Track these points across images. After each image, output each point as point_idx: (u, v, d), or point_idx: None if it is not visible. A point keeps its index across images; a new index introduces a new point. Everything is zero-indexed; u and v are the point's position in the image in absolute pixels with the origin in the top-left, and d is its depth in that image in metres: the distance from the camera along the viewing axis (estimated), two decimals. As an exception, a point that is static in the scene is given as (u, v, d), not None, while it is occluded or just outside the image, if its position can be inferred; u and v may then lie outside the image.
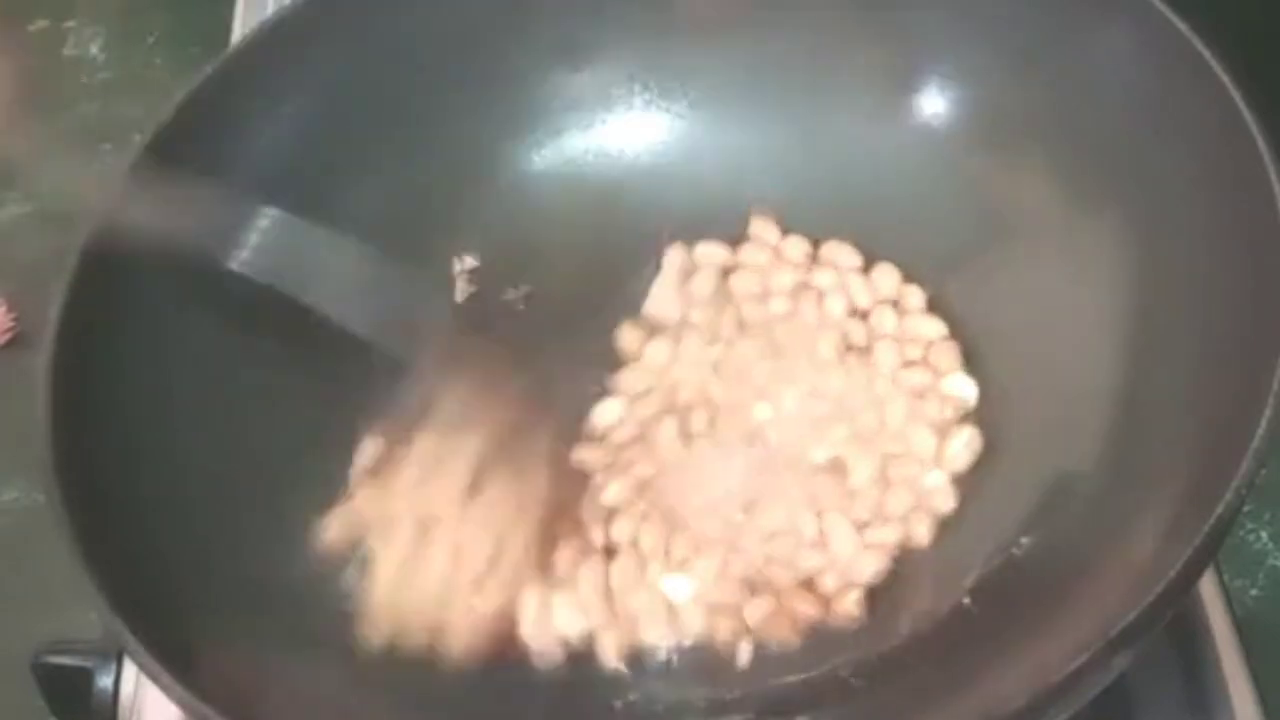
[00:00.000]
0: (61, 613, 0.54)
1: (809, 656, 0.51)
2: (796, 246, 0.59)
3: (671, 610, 0.52)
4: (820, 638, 0.51)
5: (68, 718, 0.57)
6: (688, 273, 0.59)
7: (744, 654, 0.51)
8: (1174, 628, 0.53)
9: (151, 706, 0.55)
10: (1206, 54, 0.50)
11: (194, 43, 1.07)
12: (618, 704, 0.51)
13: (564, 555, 0.53)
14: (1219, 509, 0.43)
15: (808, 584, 0.52)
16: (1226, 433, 0.45)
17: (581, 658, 0.52)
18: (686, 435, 0.56)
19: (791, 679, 0.51)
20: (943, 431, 0.54)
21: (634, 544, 0.54)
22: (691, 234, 0.60)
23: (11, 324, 1.00)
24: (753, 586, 0.52)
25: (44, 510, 0.48)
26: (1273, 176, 0.48)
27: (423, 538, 0.52)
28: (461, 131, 0.61)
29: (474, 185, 0.61)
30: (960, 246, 0.57)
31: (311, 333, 0.56)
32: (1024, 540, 0.51)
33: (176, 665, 0.45)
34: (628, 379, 0.57)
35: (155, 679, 0.45)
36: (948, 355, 0.56)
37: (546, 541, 0.53)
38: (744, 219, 0.59)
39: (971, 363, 0.56)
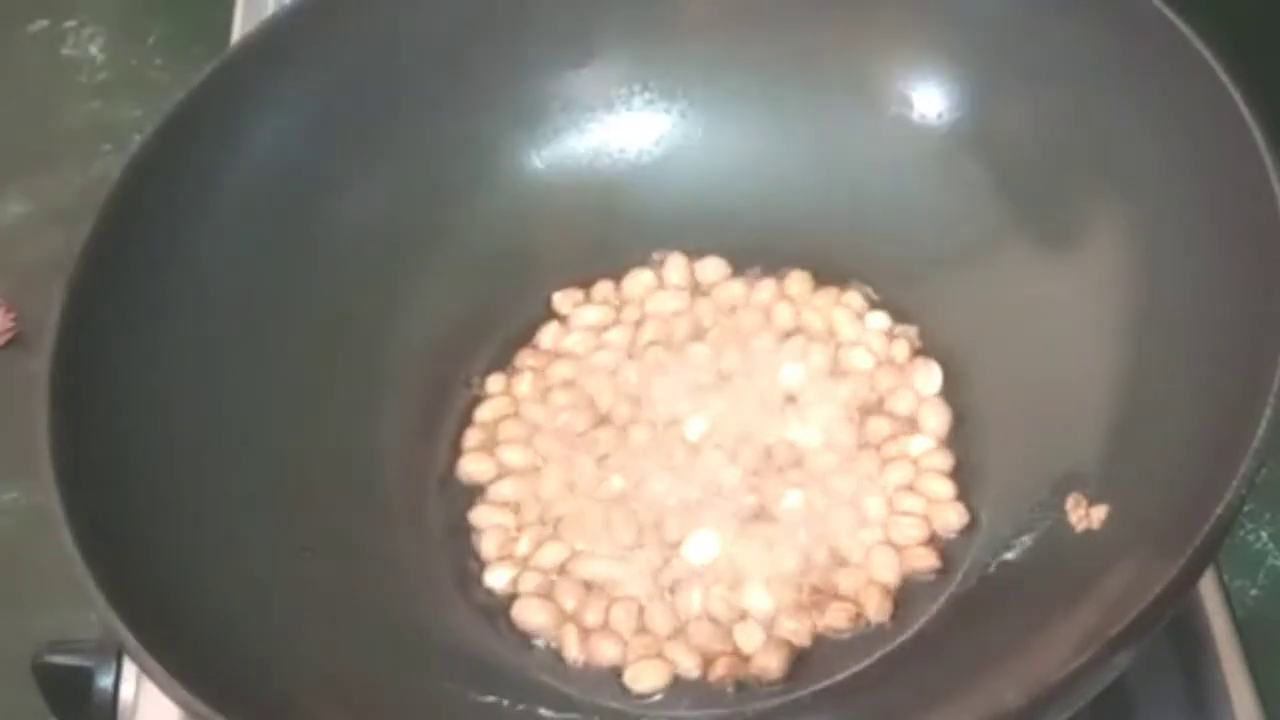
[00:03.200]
0: (61, 613, 0.54)
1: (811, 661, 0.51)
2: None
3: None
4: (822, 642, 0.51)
5: (68, 718, 0.57)
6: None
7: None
8: (1174, 628, 0.52)
9: (151, 706, 0.55)
10: (1206, 54, 0.50)
11: (194, 43, 1.07)
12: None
13: None
14: (1219, 509, 0.43)
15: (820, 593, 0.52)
16: (1226, 433, 0.45)
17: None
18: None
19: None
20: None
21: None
22: (691, 235, 0.60)
23: (11, 324, 1.00)
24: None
25: (44, 510, 0.48)
26: (1273, 175, 0.48)
27: None
28: (461, 131, 0.61)
29: (473, 185, 0.61)
30: (957, 247, 0.57)
31: (309, 333, 0.56)
32: (1024, 541, 0.51)
33: (176, 665, 0.45)
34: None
35: (155, 679, 0.45)
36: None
37: None
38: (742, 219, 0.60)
39: (971, 363, 0.56)
